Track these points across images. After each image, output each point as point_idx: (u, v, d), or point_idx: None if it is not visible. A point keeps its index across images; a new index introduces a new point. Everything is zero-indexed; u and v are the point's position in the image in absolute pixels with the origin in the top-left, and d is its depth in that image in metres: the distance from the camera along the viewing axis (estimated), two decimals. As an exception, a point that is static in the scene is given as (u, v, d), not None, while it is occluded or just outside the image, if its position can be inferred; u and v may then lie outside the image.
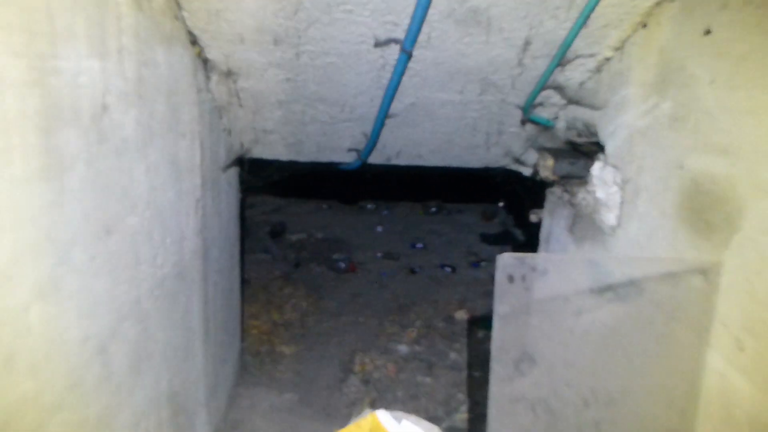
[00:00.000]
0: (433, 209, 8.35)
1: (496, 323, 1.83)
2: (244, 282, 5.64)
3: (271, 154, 3.54)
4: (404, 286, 5.98)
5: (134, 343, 1.88)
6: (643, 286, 1.82)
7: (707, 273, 1.69)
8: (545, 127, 3.03)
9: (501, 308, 1.82)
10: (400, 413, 1.99)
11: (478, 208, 8.31)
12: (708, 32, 1.84)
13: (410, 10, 2.18)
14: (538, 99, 2.83)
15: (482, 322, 4.99)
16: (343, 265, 6.32)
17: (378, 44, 2.39)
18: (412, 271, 6.37)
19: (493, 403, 1.90)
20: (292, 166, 3.81)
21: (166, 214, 2.19)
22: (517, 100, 2.89)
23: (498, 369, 1.87)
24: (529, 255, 1.81)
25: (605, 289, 1.81)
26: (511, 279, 1.81)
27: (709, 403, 1.79)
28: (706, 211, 1.76)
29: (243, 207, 7.22)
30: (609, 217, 2.41)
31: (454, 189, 7.45)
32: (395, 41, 2.37)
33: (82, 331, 1.48)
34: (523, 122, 3.07)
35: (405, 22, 2.25)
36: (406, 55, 2.43)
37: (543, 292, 1.82)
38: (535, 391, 1.86)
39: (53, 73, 1.28)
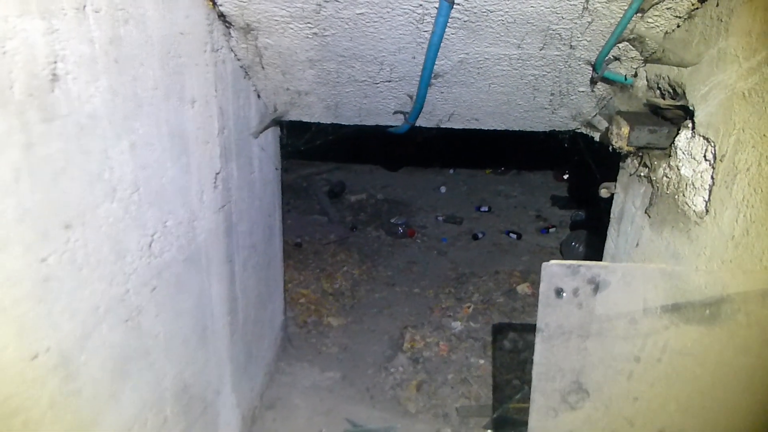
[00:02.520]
0: (502, 168, 7.82)
1: (540, 345, 1.47)
2: (297, 246, 5.46)
3: (309, 117, 3.22)
4: (465, 254, 5.62)
5: (117, 346, 1.65)
6: (737, 304, 1.39)
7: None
8: (621, 86, 2.53)
9: (546, 328, 1.45)
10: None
11: (551, 166, 7.71)
12: None
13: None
14: (613, 53, 2.34)
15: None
16: (401, 229, 6.01)
17: (414, -9, 1.99)
18: (475, 237, 5.98)
19: (535, 437, 1.56)
20: (336, 129, 3.49)
21: (166, 194, 1.93)
22: (588, 55, 2.41)
23: (540, 400, 1.52)
24: (584, 264, 1.42)
25: (684, 307, 1.40)
26: (560, 293, 1.43)
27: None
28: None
29: (296, 167, 6.98)
30: (696, 201, 1.95)
31: (522, 153, 6.88)
32: (434, -14, 1.96)
33: (25, 348, 1.25)
34: (595, 80, 2.58)
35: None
36: (449, 2, 2.01)
37: (602, 309, 1.43)
38: (587, 430, 1.50)
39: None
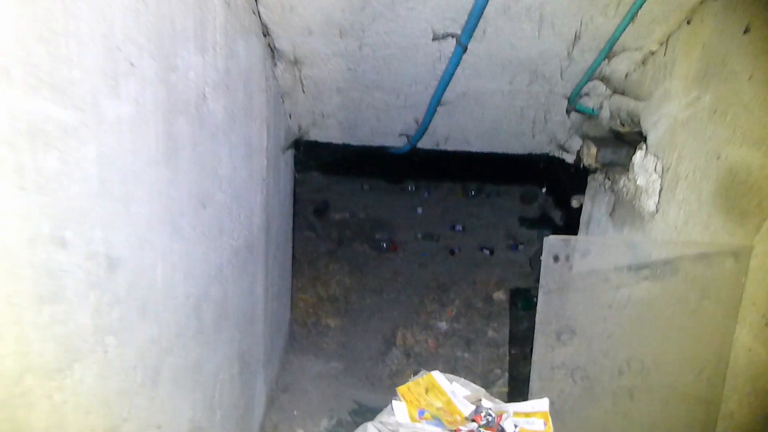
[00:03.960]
0: (473, 192, 8.49)
1: (542, 297, 2.03)
2: (294, 257, 5.93)
3: (326, 137, 3.76)
4: (444, 267, 6.19)
5: (218, 305, 2.13)
6: (678, 266, 1.99)
7: (739, 256, 1.85)
8: (590, 116, 3.17)
9: (546, 285, 2.01)
10: (451, 375, 2.21)
11: (518, 191, 8.41)
12: (747, 30, 1.97)
13: (468, 7, 2.35)
14: (585, 89, 2.97)
15: (521, 300, 5.16)
16: (384, 244, 6.55)
17: (436, 38, 2.57)
18: (452, 252, 6.57)
19: (536, 368, 2.10)
20: (344, 148, 4.03)
21: (242, 191, 2.43)
22: (564, 90, 3.03)
23: (541, 339, 2.07)
24: (573, 237, 2.00)
25: (642, 268, 1.99)
26: (556, 258, 2.00)
27: (737, 375, 1.96)
28: (740, 199, 1.91)
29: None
30: (649, 204, 2.56)
31: (494, 172, 7.56)
32: (452, 35, 2.55)
33: (185, 289, 1.73)
34: (569, 111, 3.21)
35: (463, 18, 2.42)
36: (462, 48, 2.60)
37: (584, 270, 2.00)
38: (574, 360, 2.05)
39: (173, 69, 1.51)
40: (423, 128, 3.46)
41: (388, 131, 3.64)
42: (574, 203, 3.45)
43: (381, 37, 2.59)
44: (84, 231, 1.10)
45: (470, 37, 2.51)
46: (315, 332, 4.71)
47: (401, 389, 1.95)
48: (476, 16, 2.36)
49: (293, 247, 6.03)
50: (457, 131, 3.60)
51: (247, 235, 2.59)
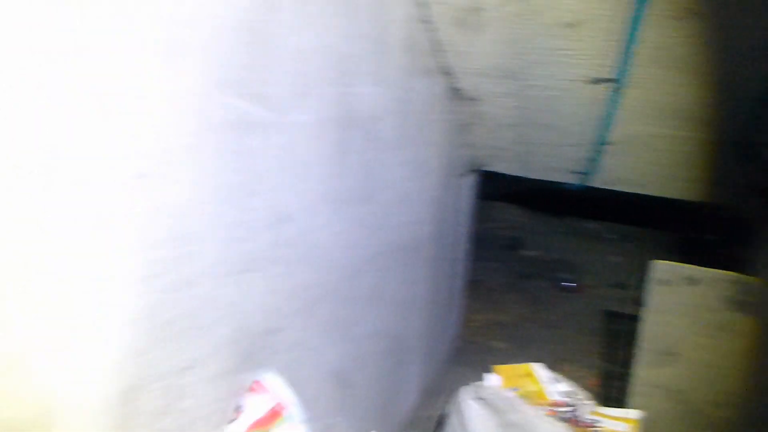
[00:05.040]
0: (680, 245, 8.01)
1: (648, 318, 2.20)
2: (475, 282, 6.34)
3: (503, 169, 4.17)
4: (623, 315, 6.05)
5: (371, 285, 2.68)
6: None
7: None
8: None
9: (652, 307, 2.18)
10: (556, 374, 2.45)
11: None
12: None
13: (619, 56, 2.62)
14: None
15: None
16: (568, 284, 6.62)
17: (592, 82, 2.87)
18: (637, 303, 6.36)
19: (636, 384, 2.27)
20: (522, 181, 4.39)
21: (410, 199, 2.98)
22: (738, 137, 3.05)
23: (644, 357, 2.24)
24: (681, 265, 2.15)
25: (749, 304, 2.06)
26: (663, 283, 2.17)
27: None
28: None
29: (485, 219, 7.94)
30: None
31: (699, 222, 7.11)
32: (607, 80, 2.82)
33: (341, 256, 2.31)
34: (744, 159, 3.19)
35: (614, 65, 2.70)
36: (617, 91, 2.85)
37: (692, 298, 2.14)
38: (674, 383, 2.17)
39: (351, 94, 2.12)
40: (593, 167, 3.68)
41: (560, 167, 3.92)
42: None
43: (542, 79, 2.97)
44: (266, 190, 1.72)
45: (623, 81, 2.76)
46: (481, 351, 5.04)
47: (499, 367, 2.28)
48: (626, 63, 2.62)
49: (477, 274, 6.47)
50: (629, 172, 3.74)
51: (414, 237, 3.12)
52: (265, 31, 1.60)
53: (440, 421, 2.95)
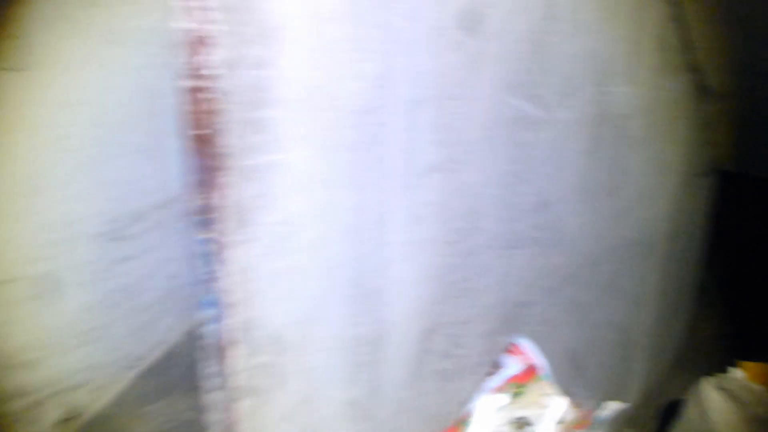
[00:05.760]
0: None
1: None
2: (708, 289, 5.93)
3: (754, 170, 3.92)
4: None
5: (607, 274, 2.79)
6: None
7: None
8: None
9: None
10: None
11: None
12: None
13: None
14: None
15: None
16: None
17: None
18: None
19: None
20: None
21: (650, 197, 3.01)
22: None
23: None
24: None
25: None
26: None
27: None
28: None
29: (726, 223, 7.32)
30: None
31: None
32: None
33: (589, 249, 2.48)
34: None
35: None
36: None
37: None
38: None
39: (606, 94, 2.27)
40: None
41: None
42: None
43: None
44: (533, 179, 1.96)
45: None
46: (708, 360, 4.77)
47: (744, 363, 2.25)
48: None
49: (709, 278, 6.05)
50: None
51: (648, 236, 3.14)
52: (543, 39, 1.84)
53: (667, 414, 2.97)
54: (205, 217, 1.07)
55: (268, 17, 1.04)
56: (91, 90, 2.53)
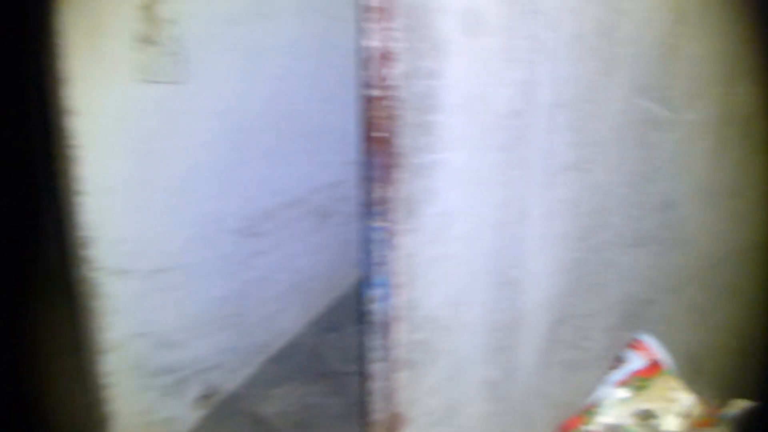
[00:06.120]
0: None
1: None
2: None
3: None
4: None
5: (728, 277, 2.75)
6: None
7: None
8: None
9: None
10: None
11: None
12: None
13: None
14: None
15: None
16: None
17: None
18: None
19: None
20: None
21: (766, 199, 2.93)
22: None
23: None
24: None
25: None
26: None
27: None
28: None
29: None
30: None
31: None
32: None
33: (711, 250, 2.47)
34: None
35: None
36: None
37: None
38: None
39: (732, 95, 2.27)
40: None
41: None
42: None
43: None
44: (660, 179, 2.01)
45: None
46: None
47: None
48: None
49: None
50: None
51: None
52: (672, 42, 1.89)
53: None
54: (380, 208, 1.23)
55: (440, 34, 1.19)
56: (235, 99, 2.80)
